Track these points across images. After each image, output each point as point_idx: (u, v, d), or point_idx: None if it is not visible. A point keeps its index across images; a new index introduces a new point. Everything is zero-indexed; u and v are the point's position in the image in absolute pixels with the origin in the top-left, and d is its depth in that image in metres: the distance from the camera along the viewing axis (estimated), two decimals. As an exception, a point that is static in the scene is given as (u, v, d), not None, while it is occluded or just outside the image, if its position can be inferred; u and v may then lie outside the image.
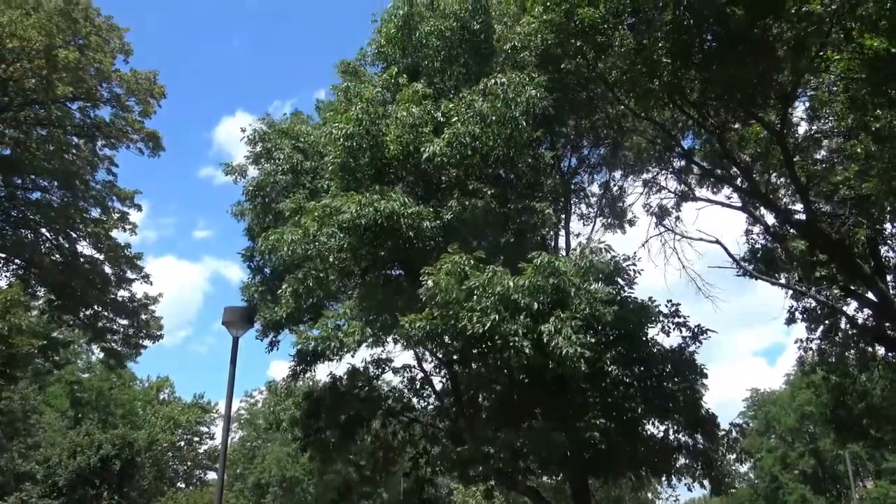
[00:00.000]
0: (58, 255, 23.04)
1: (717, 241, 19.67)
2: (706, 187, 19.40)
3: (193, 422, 51.30)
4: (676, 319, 14.15)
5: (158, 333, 25.42)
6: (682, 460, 13.53)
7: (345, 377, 16.50)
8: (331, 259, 12.08)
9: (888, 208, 15.74)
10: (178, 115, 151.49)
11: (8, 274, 22.88)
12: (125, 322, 24.50)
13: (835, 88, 14.06)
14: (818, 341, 20.56)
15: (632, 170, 18.69)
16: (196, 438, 52.08)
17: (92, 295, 23.11)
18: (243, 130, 16.21)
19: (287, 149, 15.51)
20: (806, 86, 14.82)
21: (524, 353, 10.09)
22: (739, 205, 19.17)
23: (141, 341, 25.07)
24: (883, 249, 18.13)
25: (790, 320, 20.46)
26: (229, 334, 11.49)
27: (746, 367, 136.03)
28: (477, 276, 10.54)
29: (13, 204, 22.67)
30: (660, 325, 13.93)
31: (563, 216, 16.39)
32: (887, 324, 17.29)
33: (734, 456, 13.94)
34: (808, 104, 16.02)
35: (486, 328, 10.08)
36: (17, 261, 22.83)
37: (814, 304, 20.05)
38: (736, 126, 16.03)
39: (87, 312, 23.84)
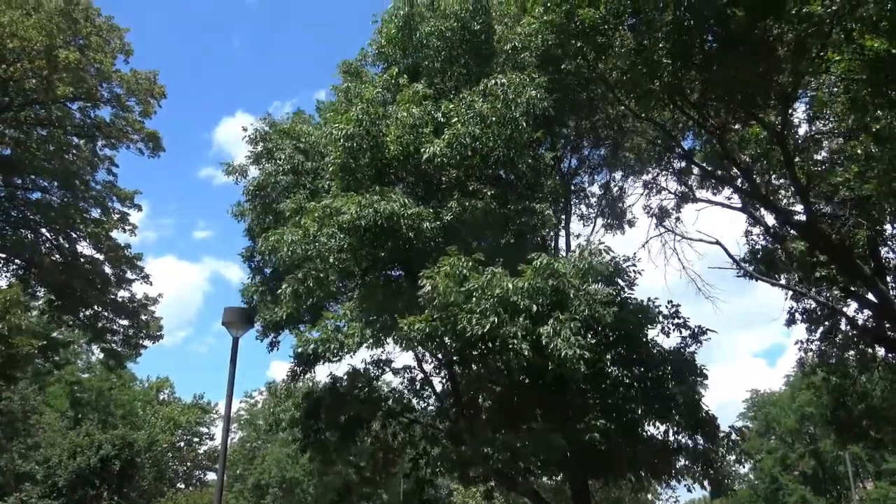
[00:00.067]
0: (58, 256, 23.04)
1: (718, 242, 19.75)
2: (706, 188, 19.43)
3: (193, 422, 51.24)
4: (676, 320, 14.11)
5: (158, 334, 25.44)
6: (682, 461, 13.45)
7: (345, 378, 16.45)
8: (331, 260, 12.09)
9: (888, 209, 15.71)
10: (178, 116, 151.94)
11: (8, 274, 22.93)
12: (125, 322, 24.52)
13: (835, 89, 14.05)
14: (818, 342, 20.54)
15: (632, 170, 18.74)
16: (196, 439, 52.03)
17: (92, 295, 23.11)
18: (244, 130, 16.28)
19: (288, 149, 15.51)
20: (806, 87, 14.79)
21: (523, 355, 10.11)
22: (739, 206, 19.18)
23: (141, 341, 25.08)
24: (883, 251, 18.12)
25: (790, 321, 20.48)
26: (229, 335, 11.47)
27: (746, 368, 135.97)
28: (476, 277, 10.54)
29: (13, 204, 22.66)
30: (660, 326, 13.89)
31: (564, 217, 16.38)
32: (887, 325, 17.26)
33: (734, 457, 13.90)
34: (808, 105, 16.02)
35: (485, 330, 10.08)
36: (17, 261, 22.83)
37: (814, 305, 20.04)
38: (736, 127, 16.01)
39: (87, 313, 23.85)
